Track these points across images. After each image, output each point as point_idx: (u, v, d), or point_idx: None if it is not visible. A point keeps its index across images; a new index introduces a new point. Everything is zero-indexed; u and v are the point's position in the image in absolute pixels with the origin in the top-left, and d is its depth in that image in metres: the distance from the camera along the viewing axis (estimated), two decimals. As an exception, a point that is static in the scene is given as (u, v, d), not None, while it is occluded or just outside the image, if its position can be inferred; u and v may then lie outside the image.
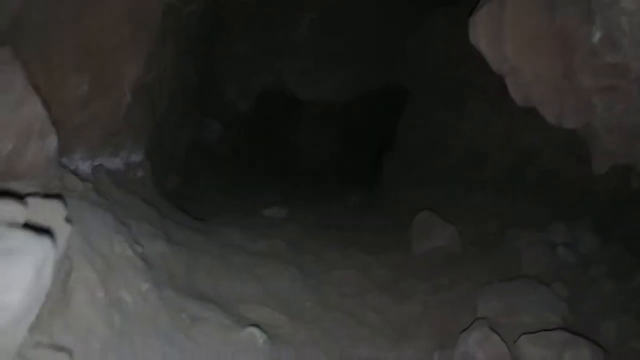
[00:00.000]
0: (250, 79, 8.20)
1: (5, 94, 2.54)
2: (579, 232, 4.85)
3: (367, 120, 9.68)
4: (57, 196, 2.22)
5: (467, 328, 3.56)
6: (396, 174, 7.96)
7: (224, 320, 3.01)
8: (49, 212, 1.93)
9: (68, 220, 2.04)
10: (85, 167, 3.81)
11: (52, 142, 2.81)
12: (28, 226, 1.68)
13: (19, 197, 1.99)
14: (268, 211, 6.80)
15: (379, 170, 8.56)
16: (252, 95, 8.37)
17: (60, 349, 1.84)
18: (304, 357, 3.17)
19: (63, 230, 1.99)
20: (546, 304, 3.83)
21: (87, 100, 3.45)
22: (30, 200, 1.98)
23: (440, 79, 6.98)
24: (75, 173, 3.51)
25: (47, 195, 2.15)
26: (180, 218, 4.94)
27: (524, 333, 3.35)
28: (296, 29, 7.84)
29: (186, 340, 2.59)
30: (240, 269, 4.29)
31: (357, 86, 8.36)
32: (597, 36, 2.85)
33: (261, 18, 7.18)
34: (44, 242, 1.51)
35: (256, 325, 3.12)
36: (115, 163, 4.37)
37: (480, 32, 3.66)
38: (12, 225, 1.65)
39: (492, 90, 6.20)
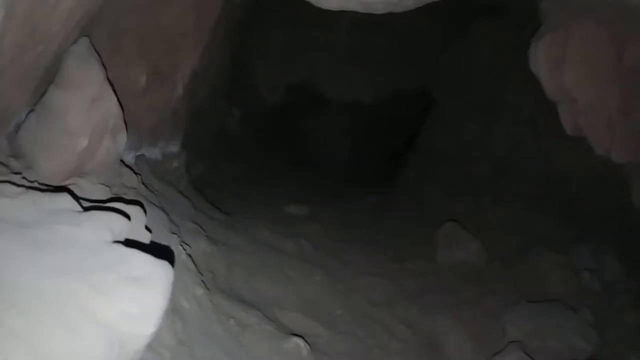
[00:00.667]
0: (282, 72, 8.17)
1: (83, 89, 2.53)
2: (604, 259, 4.87)
3: (389, 122, 9.66)
4: (134, 202, 2.23)
5: (501, 351, 3.60)
6: (418, 178, 7.97)
7: (268, 327, 3.05)
8: (133, 221, 1.94)
9: (148, 229, 2.05)
10: (129, 157, 3.82)
11: (122, 140, 2.81)
12: (131, 242, 1.68)
13: (102, 202, 2.00)
14: (290, 208, 6.81)
15: (399, 172, 8.55)
16: (282, 88, 8.34)
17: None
18: (344, 369, 3.21)
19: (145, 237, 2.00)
20: (575, 331, 3.87)
21: (145, 91, 3.45)
22: (113, 204, 1.98)
23: (473, 90, 6.96)
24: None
25: (122, 200, 2.16)
26: (211, 212, 4.96)
27: (559, 361, 3.38)
28: (334, 27, 7.78)
29: (239, 348, 2.62)
30: (272, 270, 4.32)
31: (385, 89, 8.34)
32: (667, 79, 2.84)
33: (301, 13, 7.11)
34: (167, 268, 1.51)
35: (298, 335, 3.15)
36: (153, 153, 4.37)
37: (542, 58, 3.67)
38: (117, 240, 1.65)
39: (526, 110, 6.22)
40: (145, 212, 2.20)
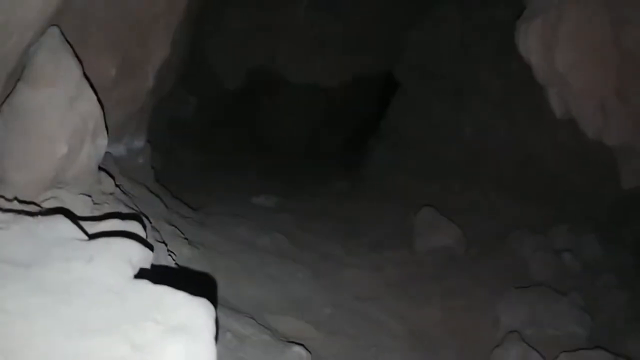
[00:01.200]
0: (241, 57, 7.77)
1: (59, 87, 2.15)
2: (583, 238, 4.92)
3: (353, 105, 9.46)
4: (133, 216, 1.92)
5: (500, 344, 3.53)
6: (385, 162, 7.84)
7: (265, 337, 2.84)
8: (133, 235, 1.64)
9: (149, 246, 1.76)
10: (96, 154, 3.42)
11: (103, 143, 2.45)
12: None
13: (97, 219, 1.68)
14: (257, 199, 6.53)
15: (365, 156, 8.40)
16: (241, 73, 7.94)
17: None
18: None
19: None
20: (569, 316, 3.86)
21: (114, 84, 3.06)
22: (113, 223, 1.68)
23: (439, 72, 6.85)
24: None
25: (119, 215, 1.84)
26: (182, 210, 4.65)
27: (564, 351, 3.34)
28: (294, 9, 7.44)
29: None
30: (254, 270, 4.11)
31: (348, 72, 8.11)
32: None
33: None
34: (209, 308, 1.23)
35: (295, 342, 2.96)
36: (118, 150, 3.98)
37: (533, 41, 3.54)
38: (134, 268, 1.36)
39: (496, 92, 6.17)
40: (144, 227, 1.89)
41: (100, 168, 2.85)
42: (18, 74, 2.16)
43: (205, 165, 7.38)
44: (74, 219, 1.57)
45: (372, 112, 8.70)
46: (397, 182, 7.32)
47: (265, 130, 9.18)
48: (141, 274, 1.38)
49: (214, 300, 1.33)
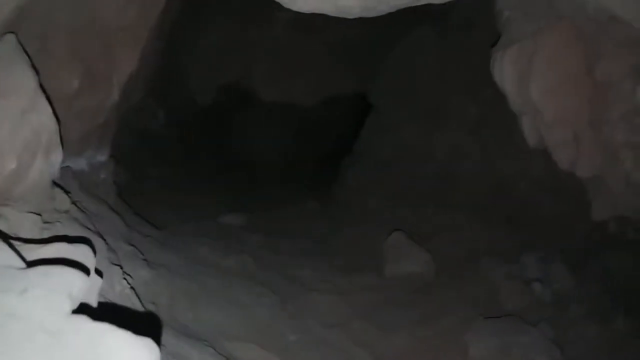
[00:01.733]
0: (214, 72, 7.63)
1: (11, 98, 1.99)
2: (552, 268, 4.90)
3: (326, 125, 9.40)
4: (82, 239, 1.76)
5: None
6: (357, 183, 7.77)
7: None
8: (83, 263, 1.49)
9: (98, 272, 1.60)
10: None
11: (57, 158, 2.29)
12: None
13: (41, 242, 1.53)
14: (225, 218, 6.36)
15: (338, 177, 8.32)
16: (213, 89, 7.79)
17: None
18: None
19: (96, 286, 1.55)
20: (538, 347, 3.80)
21: (76, 96, 2.89)
22: (58, 247, 1.52)
23: (413, 95, 6.86)
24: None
25: (66, 238, 1.69)
26: (144, 228, 4.47)
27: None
28: (270, 27, 7.37)
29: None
30: (216, 294, 3.94)
31: (322, 92, 8.06)
32: (640, 94, 2.78)
33: (236, 12, 6.65)
34: (152, 349, 1.08)
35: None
36: (79, 164, 3.80)
37: (508, 69, 3.54)
38: (74, 301, 1.20)
39: (470, 117, 6.19)
40: (94, 251, 1.74)
41: (55, 184, 2.68)
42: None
43: (173, 181, 7.17)
44: (10, 243, 1.41)
45: (347, 133, 8.65)
46: (368, 203, 7.25)
47: (237, 147, 9.03)
48: (82, 309, 1.23)
49: (158, 338, 1.18)
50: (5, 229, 1.75)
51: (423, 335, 4.23)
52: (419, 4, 2.80)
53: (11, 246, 1.38)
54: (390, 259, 5.38)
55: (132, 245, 3.46)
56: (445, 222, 6.04)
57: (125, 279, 2.61)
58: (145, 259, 3.38)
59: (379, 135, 7.46)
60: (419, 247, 5.39)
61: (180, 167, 7.61)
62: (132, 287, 2.60)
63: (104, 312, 1.22)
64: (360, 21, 7.60)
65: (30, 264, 1.39)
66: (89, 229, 2.66)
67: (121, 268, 2.66)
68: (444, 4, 3.36)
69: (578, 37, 3.27)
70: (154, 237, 4.38)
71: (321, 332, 4.15)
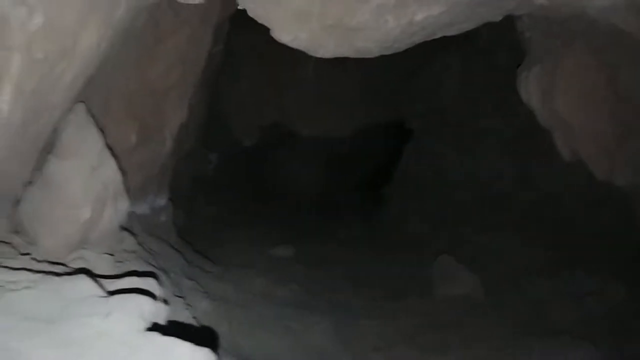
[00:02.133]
0: (254, 114, 8.12)
1: (82, 158, 2.37)
2: (603, 282, 4.86)
3: (365, 154, 9.68)
4: (149, 274, 2.07)
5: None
6: (399, 210, 7.93)
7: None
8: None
9: (164, 300, 1.90)
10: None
11: (124, 206, 2.65)
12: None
13: (116, 278, 1.83)
14: (275, 250, 6.65)
15: (380, 205, 8.51)
16: (255, 130, 8.27)
17: None
18: None
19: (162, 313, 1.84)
20: (590, 364, 3.81)
21: (134, 149, 3.30)
22: (130, 280, 1.83)
23: (448, 118, 7.03)
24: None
25: (136, 273, 2.00)
26: (202, 264, 4.79)
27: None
28: (302, 67, 7.83)
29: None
30: (272, 322, 4.16)
31: (357, 122, 8.38)
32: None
33: (268, 57, 7.13)
34: (210, 356, 1.35)
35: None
36: (142, 208, 4.20)
37: (533, 88, 3.71)
38: (147, 322, 1.49)
39: (504, 135, 6.30)
40: (160, 283, 2.04)
41: (123, 227, 3.04)
42: (49, 148, 2.39)
43: (226, 219, 7.56)
44: (95, 277, 1.72)
45: (385, 160, 8.87)
46: (411, 229, 7.39)
47: (281, 182, 9.42)
48: (153, 328, 1.51)
49: (215, 350, 1.44)
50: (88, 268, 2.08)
51: (472, 355, 4.28)
52: (433, 37, 3.03)
53: (95, 280, 1.69)
54: (438, 283, 5.49)
55: (193, 279, 3.77)
56: (485, 243, 6.10)
57: (187, 309, 2.91)
58: (205, 292, 3.68)
59: (417, 161, 7.64)
60: (466, 269, 5.47)
61: (231, 205, 8.01)
62: (194, 317, 2.89)
63: (171, 330, 1.49)
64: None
65: (110, 293, 1.69)
66: (153, 265, 3.00)
67: (184, 299, 2.96)
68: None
69: (597, 51, 3.41)
70: (212, 272, 4.69)
71: (373, 356, 4.28)
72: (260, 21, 2.83)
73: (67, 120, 2.43)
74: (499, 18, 3.19)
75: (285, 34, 2.67)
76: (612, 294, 4.71)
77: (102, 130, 2.57)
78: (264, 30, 3.03)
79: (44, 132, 2.21)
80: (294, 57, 7.86)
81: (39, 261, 2.03)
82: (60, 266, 2.11)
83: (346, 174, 9.93)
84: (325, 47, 2.75)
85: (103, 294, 1.65)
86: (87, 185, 2.37)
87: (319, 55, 3.23)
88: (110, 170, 2.52)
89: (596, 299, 4.70)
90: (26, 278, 1.61)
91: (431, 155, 7.48)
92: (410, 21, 2.73)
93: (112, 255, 2.47)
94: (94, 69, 2.43)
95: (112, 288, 1.78)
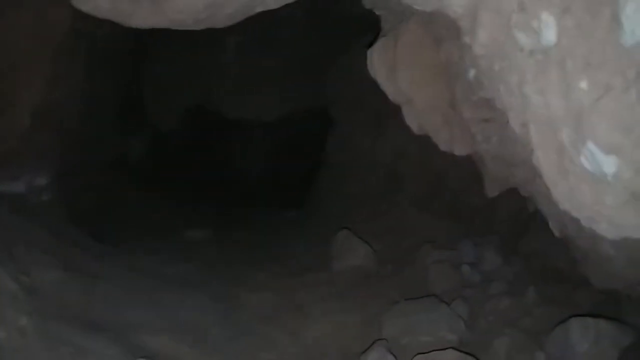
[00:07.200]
0: (174, 98, 8.18)
1: None
2: (484, 251, 5.07)
3: (295, 140, 9.81)
4: None
5: (366, 350, 3.67)
6: (324, 192, 8.11)
7: (111, 351, 2.97)
8: None
9: None
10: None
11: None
12: None
13: None
14: (190, 233, 6.73)
15: (308, 189, 8.69)
16: (176, 114, 8.34)
17: None
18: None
19: None
20: (444, 323, 3.99)
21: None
22: None
23: (360, 105, 7.21)
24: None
25: None
26: (88, 243, 4.84)
27: (419, 353, 3.48)
28: (223, 51, 7.92)
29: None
30: (143, 296, 4.20)
31: (281, 107, 8.50)
32: (471, 73, 3.02)
33: (187, 42, 7.20)
34: None
35: (149, 357, 3.09)
36: (16, 187, 4.24)
37: (377, 65, 3.83)
38: None
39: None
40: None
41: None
42: None
43: (146, 204, 7.61)
44: None
45: (311, 147, 9.05)
46: (334, 209, 7.56)
47: (209, 166, 9.51)
48: None
49: None
50: None
51: (348, 320, 4.45)
52: (253, 11, 3.07)
53: None
54: (336, 255, 5.66)
55: (54, 255, 3.82)
56: (394, 219, 6.29)
57: (18, 276, 2.98)
58: (64, 266, 3.74)
59: (337, 146, 7.84)
60: (362, 241, 5.64)
61: (155, 191, 8.05)
62: (21, 284, 2.96)
63: None
64: (310, 36, 7.99)
65: None
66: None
67: (12, 267, 3.02)
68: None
69: (429, 27, 3.53)
70: (95, 251, 4.72)
71: (249, 325, 4.39)
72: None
73: None
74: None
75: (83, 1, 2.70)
76: (488, 263, 4.91)
77: None
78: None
79: None
80: (213, 42, 8.02)
81: None
82: None
83: (274, 161, 10.08)
84: (136, 16, 2.79)
85: None
86: None
87: (133, 26, 3.17)
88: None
89: (474, 267, 4.89)
90: None
91: (348, 140, 7.70)
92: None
93: None
94: None
95: None
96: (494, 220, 5.37)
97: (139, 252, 5.18)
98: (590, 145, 1.57)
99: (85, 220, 5.50)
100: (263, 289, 5.16)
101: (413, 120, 3.98)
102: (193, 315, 4.23)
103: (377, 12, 4.02)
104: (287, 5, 3.25)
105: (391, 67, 3.80)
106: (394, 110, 6.71)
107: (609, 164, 1.54)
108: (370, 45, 4.08)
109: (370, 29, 7.41)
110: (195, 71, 8.15)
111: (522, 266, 4.68)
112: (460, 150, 3.83)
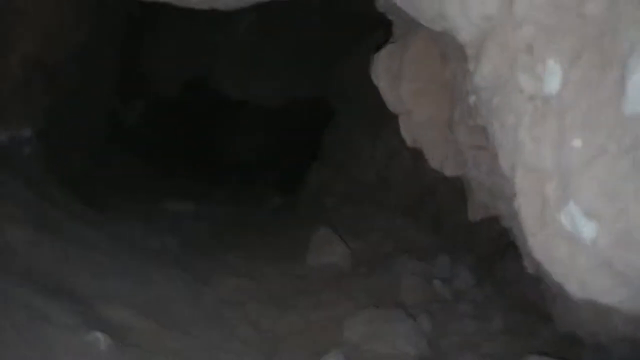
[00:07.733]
0: (176, 68, 8.09)
1: None
2: (459, 269, 5.09)
3: (296, 127, 9.76)
4: None
5: (324, 355, 3.67)
6: (317, 184, 8.11)
7: (71, 321, 2.94)
8: None
9: None
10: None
11: None
12: None
13: None
14: (174, 204, 6.69)
15: (302, 179, 8.67)
16: (176, 84, 8.26)
17: None
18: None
19: None
20: (406, 336, 4.00)
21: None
22: None
23: (363, 102, 7.15)
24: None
25: None
26: (70, 206, 4.80)
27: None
28: (234, 29, 7.81)
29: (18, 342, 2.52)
30: (117, 265, 4.18)
31: (283, 94, 8.44)
32: (472, 99, 2.99)
33: (198, 16, 7.10)
34: None
35: (108, 331, 3.06)
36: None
37: (381, 71, 3.78)
38: None
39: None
40: None
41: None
42: None
43: (137, 170, 7.57)
44: None
45: (313, 135, 9.00)
46: (325, 203, 7.55)
47: (205, 142, 9.45)
48: None
49: None
50: None
51: (313, 317, 4.46)
52: None
53: None
54: (312, 250, 5.66)
55: (28, 212, 3.76)
56: (378, 223, 6.29)
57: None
58: (37, 225, 3.69)
59: (335, 139, 7.80)
60: (340, 240, 5.65)
61: (147, 159, 8.01)
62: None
63: None
64: (323, 27, 7.89)
65: None
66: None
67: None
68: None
69: (437, 41, 3.48)
70: (77, 215, 4.68)
71: (218, 309, 4.39)
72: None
73: None
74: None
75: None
76: (461, 281, 4.94)
77: None
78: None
79: None
80: (225, 18, 7.91)
81: None
82: None
83: (268, 146, 10.05)
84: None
85: None
86: None
87: (189, 6, 3.12)
88: None
89: (446, 283, 4.91)
90: None
91: (346, 136, 7.65)
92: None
93: None
94: None
95: None
96: (473, 240, 5.39)
97: (121, 218, 5.13)
98: (573, 206, 1.56)
99: (70, 180, 5.45)
100: (238, 273, 5.15)
101: (408, 133, 3.95)
102: (165, 292, 4.21)
103: (389, 17, 3.96)
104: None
105: (395, 77, 3.75)
106: (393, 114, 6.76)
107: (589, 229, 1.53)
108: (379, 47, 4.03)
109: (384, 27, 7.38)
110: (201, 45, 8.06)
111: (494, 291, 4.72)
112: (450, 171, 3.82)
